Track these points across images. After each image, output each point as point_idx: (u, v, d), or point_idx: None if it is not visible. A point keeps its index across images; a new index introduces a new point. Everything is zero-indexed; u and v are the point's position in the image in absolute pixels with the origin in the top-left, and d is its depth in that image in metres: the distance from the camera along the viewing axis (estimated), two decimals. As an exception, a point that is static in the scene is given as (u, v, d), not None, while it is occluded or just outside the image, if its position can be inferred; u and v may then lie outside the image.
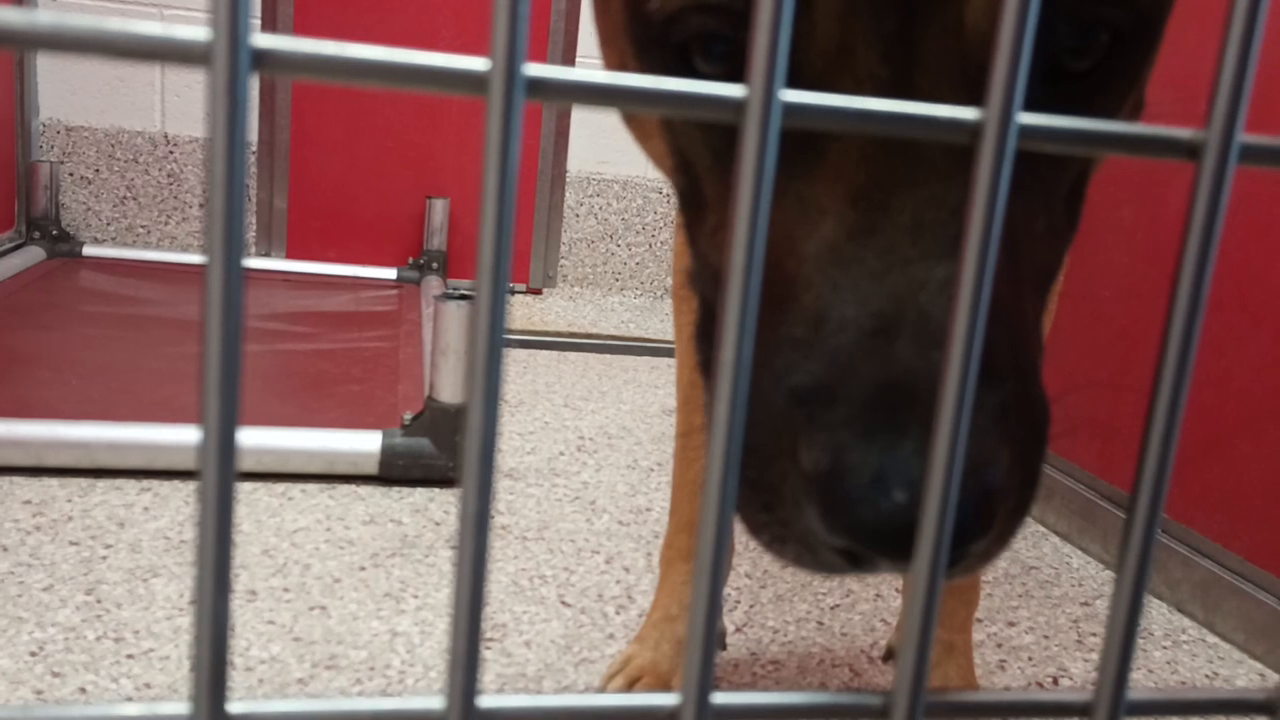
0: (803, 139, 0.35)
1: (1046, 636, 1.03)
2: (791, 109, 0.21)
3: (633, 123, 0.47)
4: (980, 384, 0.29)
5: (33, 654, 0.82)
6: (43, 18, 0.19)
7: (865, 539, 0.30)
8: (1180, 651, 1.02)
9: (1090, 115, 0.37)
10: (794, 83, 0.33)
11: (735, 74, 0.34)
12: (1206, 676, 0.97)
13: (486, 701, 0.23)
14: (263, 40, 0.19)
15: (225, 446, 0.20)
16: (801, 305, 0.33)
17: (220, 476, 0.20)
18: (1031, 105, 0.35)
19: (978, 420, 0.30)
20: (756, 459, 0.32)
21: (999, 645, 1.00)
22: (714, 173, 0.39)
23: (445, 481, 1.22)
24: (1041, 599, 1.11)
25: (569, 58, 2.15)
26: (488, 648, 0.90)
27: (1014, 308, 0.34)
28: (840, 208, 0.33)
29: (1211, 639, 1.05)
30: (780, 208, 0.35)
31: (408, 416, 1.23)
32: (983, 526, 0.29)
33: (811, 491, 0.31)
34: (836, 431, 0.30)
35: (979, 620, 1.04)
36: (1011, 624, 1.05)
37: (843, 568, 0.32)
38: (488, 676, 0.85)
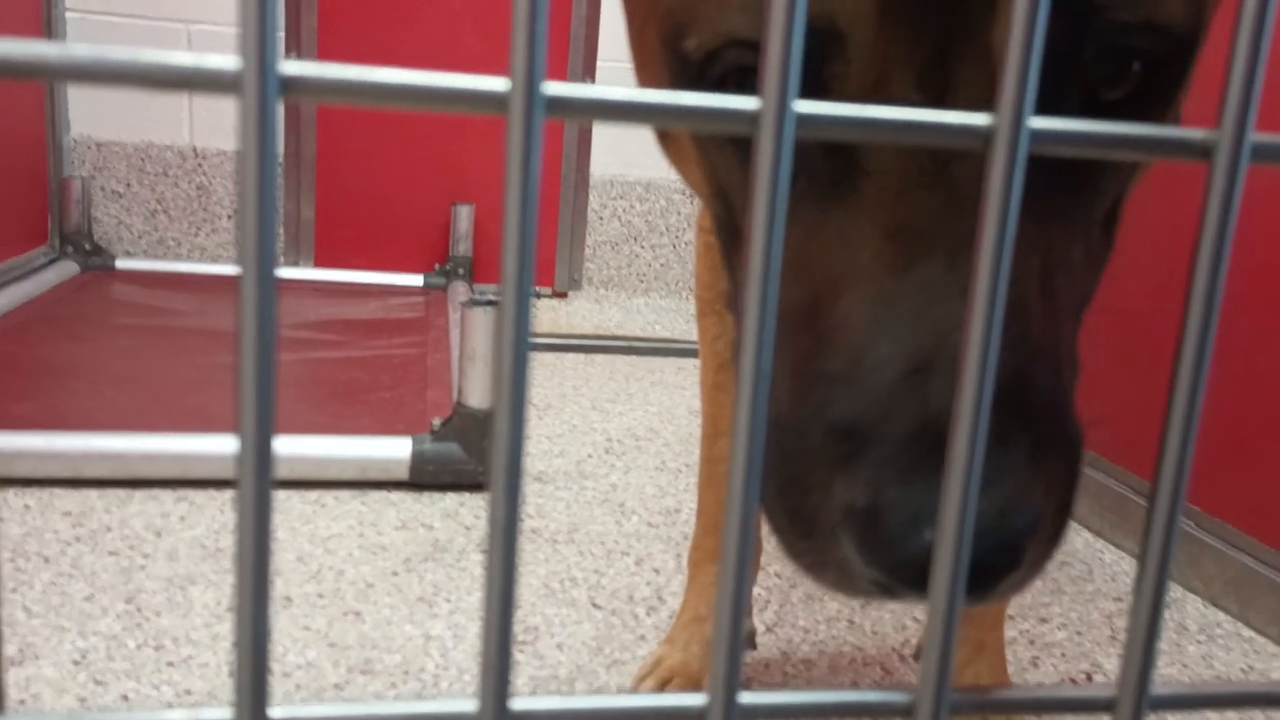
0: (841, 171, 0.35)
1: (1079, 633, 1.02)
2: (805, 120, 0.22)
3: (670, 149, 0.47)
4: (1015, 421, 0.31)
5: (75, 662, 0.84)
6: (79, 51, 0.19)
7: (897, 575, 0.31)
8: (1215, 646, 1.01)
9: (1142, 115, 0.37)
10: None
11: None
12: (1241, 670, 0.96)
13: (519, 704, 0.24)
14: (290, 68, 0.20)
15: (262, 455, 0.21)
16: (840, 340, 0.34)
17: (257, 484, 0.21)
18: (1085, 109, 0.36)
19: (1011, 458, 0.31)
20: (796, 488, 0.33)
21: (1031, 642, 1.00)
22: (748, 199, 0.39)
23: (475, 486, 1.23)
24: (1074, 594, 1.10)
25: (589, 67, 2.16)
26: (520, 650, 0.91)
27: (1050, 340, 0.34)
28: (878, 242, 0.34)
29: (1247, 633, 1.04)
30: (819, 240, 0.35)
31: (437, 422, 1.24)
32: (1010, 564, 0.31)
33: (848, 526, 0.32)
34: (873, 470, 0.31)
35: (1011, 617, 1.04)
36: (1044, 620, 1.04)
37: (880, 595, 0.33)
38: (520, 679, 0.86)
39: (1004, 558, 0.30)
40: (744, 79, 0.37)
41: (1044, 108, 0.34)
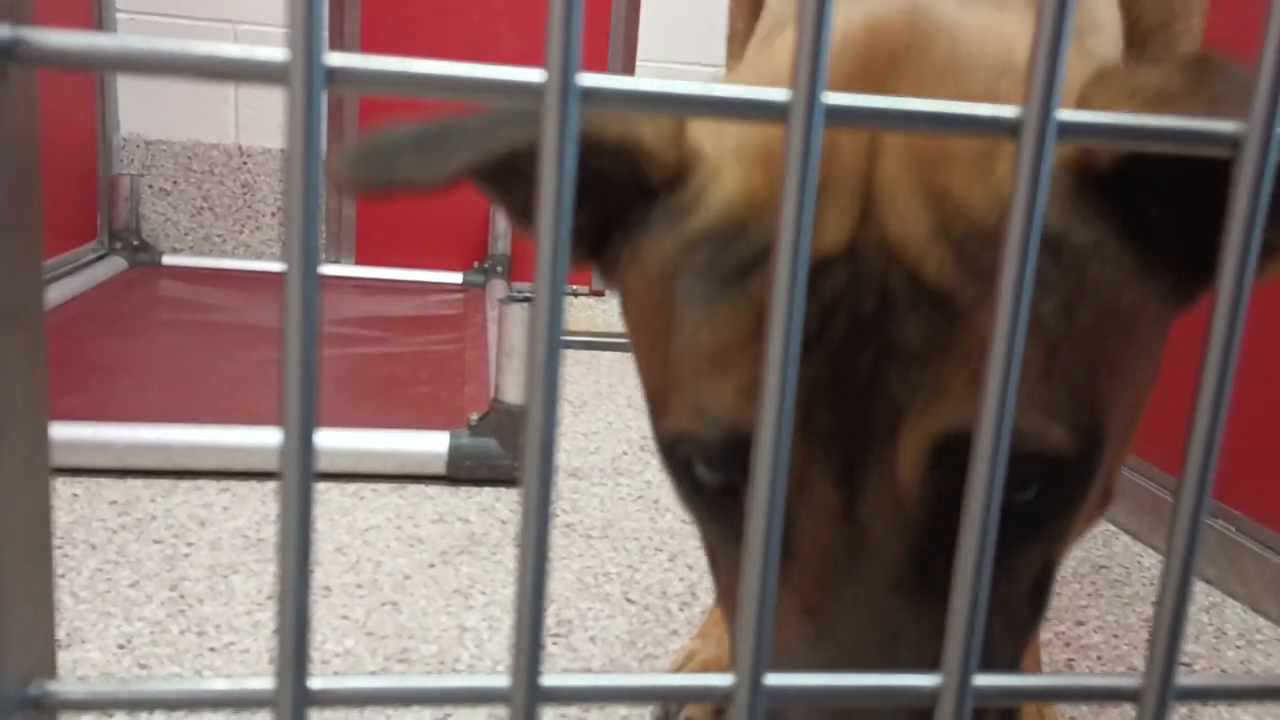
0: None
1: (1116, 635, 1.01)
2: (834, 111, 0.22)
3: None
4: None
5: (120, 646, 0.86)
6: (134, 43, 0.20)
7: None
8: (1255, 651, 1.00)
9: (1039, 535, 0.41)
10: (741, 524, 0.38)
11: (730, 485, 0.42)
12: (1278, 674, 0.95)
13: (549, 680, 0.24)
14: (335, 59, 0.21)
15: (304, 447, 0.22)
16: None
17: (300, 476, 0.22)
18: None
19: None
20: None
21: (1067, 644, 0.99)
22: (728, 555, 0.45)
23: (511, 481, 1.24)
24: (1111, 598, 1.09)
25: (629, 65, 2.17)
26: (554, 643, 0.92)
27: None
28: (796, 619, 0.40)
29: (1289, 639, 1.02)
30: None
31: (474, 418, 1.25)
32: None
33: None
34: None
35: (1047, 619, 1.03)
36: (1080, 623, 1.03)
37: None
38: (554, 669, 0.87)
39: None
40: (705, 460, 0.42)
41: (950, 513, 0.38)
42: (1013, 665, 0.43)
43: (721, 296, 0.40)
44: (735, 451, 0.40)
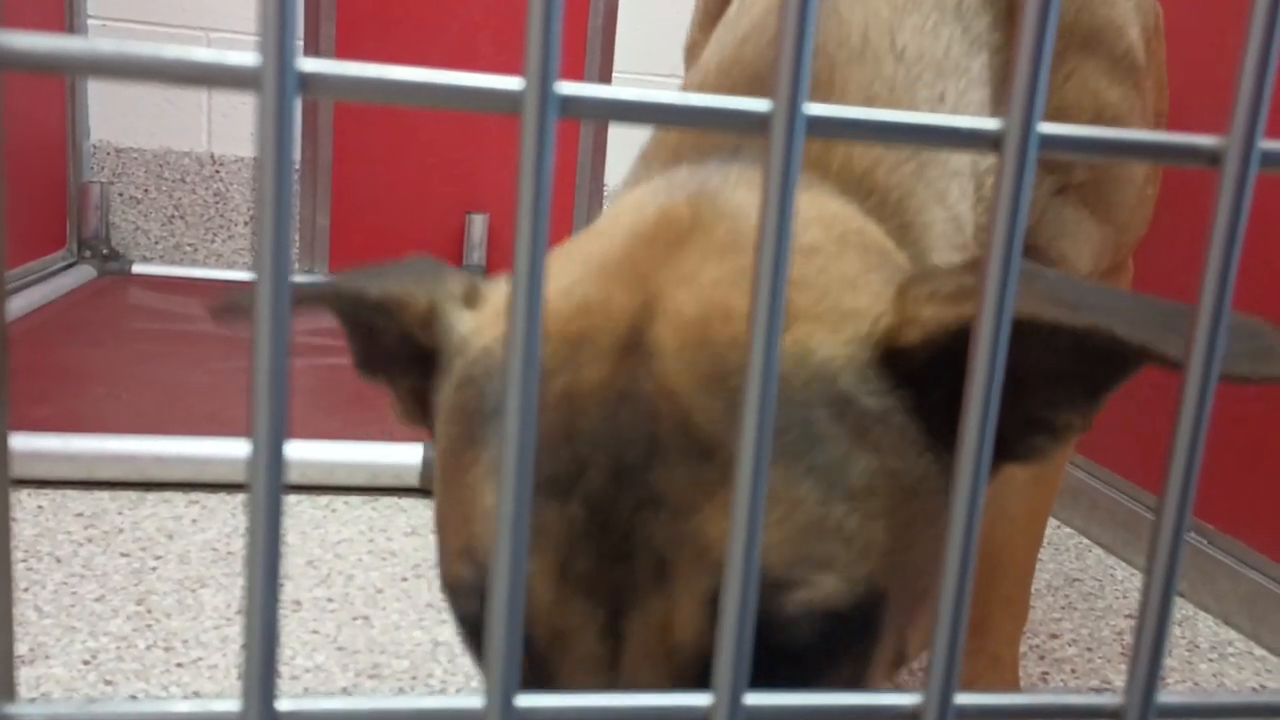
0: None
1: (1090, 649, 1.01)
2: (815, 122, 0.22)
3: None
4: None
5: (85, 662, 0.84)
6: (104, 46, 0.20)
7: None
8: (1227, 664, 1.00)
9: (829, 676, 0.40)
10: (529, 655, 0.39)
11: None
12: (1253, 689, 0.95)
13: (524, 701, 0.24)
14: (309, 64, 0.20)
15: (274, 459, 0.21)
16: None
17: (269, 488, 0.21)
18: (759, 681, 0.40)
19: None
20: None
21: (1041, 657, 0.99)
22: None
23: (485, 493, 1.23)
24: (1085, 611, 1.09)
25: (605, 74, 2.17)
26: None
27: None
28: None
29: (1259, 651, 1.03)
30: None
31: (448, 429, 1.24)
32: None
33: None
34: None
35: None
36: (1054, 636, 1.04)
37: None
38: (528, 686, 0.86)
39: None
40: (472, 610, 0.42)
41: (756, 674, 0.37)
42: None
43: (477, 438, 0.41)
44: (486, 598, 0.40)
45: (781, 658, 0.39)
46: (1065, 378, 0.40)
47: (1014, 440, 0.42)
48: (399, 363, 0.49)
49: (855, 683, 0.41)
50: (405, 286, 0.46)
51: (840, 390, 0.39)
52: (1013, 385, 0.40)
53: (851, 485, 0.39)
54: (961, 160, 0.55)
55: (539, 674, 0.40)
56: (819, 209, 0.47)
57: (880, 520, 0.39)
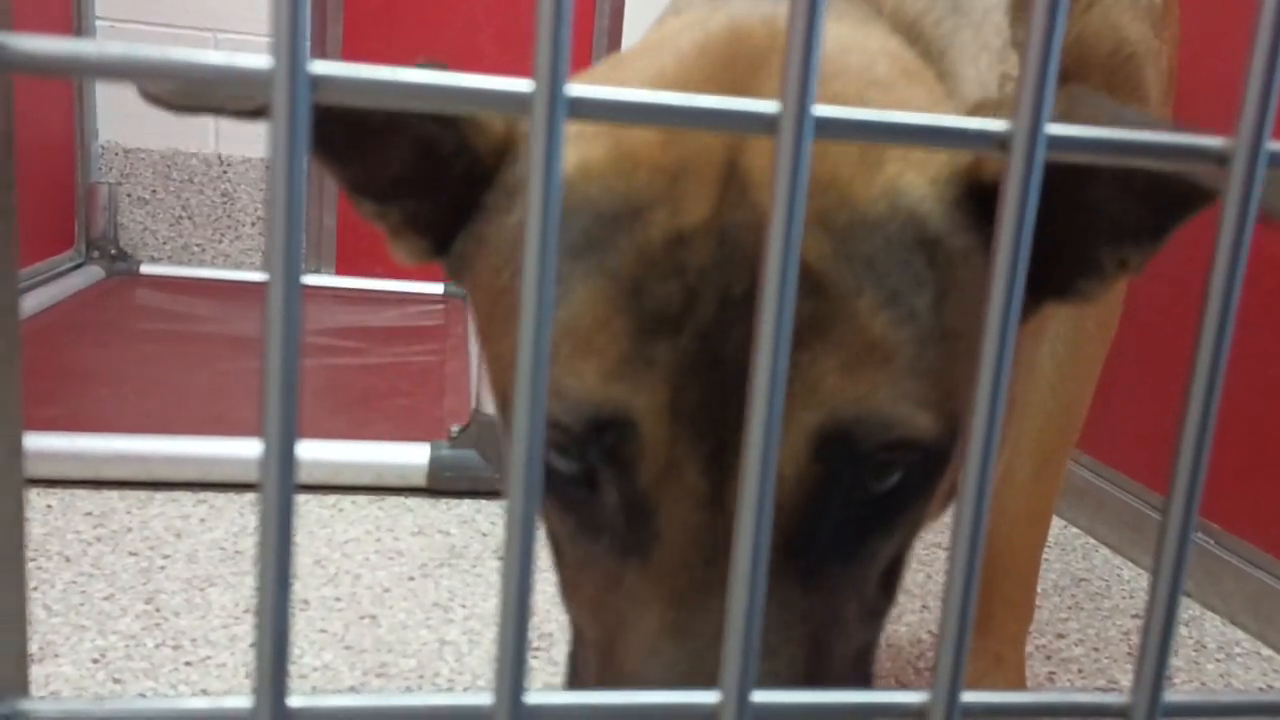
0: (639, 536, 0.39)
1: (1096, 649, 1.01)
2: (823, 123, 0.22)
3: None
4: None
5: (94, 661, 0.85)
6: (113, 49, 0.20)
7: None
8: (1234, 664, 1.00)
9: (899, 521, 0.41)
10: (629, 493, 0.39)
11: (588, 473, 0.40)
12: (1261, 689, 0.95)
13: (533, 698, 0.24)
14: (319, 67, 0.20)
15: (285, 458, 0.21)
16: (624, 677, 0.39)
17: (280, 487, 0.21)
18: (844, 524, 0.40)
19: None
20: None
21: (1048, 657, 0.99)
22: (581, 548, 0.44)
23: (492, 493, 1.24)
24: (1092, 611, 1.09)
25: (612, 73, 2.17)
26: (535, 656, 0.91)
27: None
28: (662, 606, 0.39)
29: (1266, 651, 1.03)
30: (616, 591, 0.40)
31: (455, 429, 1.24)
32: None
33: None
34: None
35: (1029, 632, 1.03)
36: (1061, 636, 1.04)
37: None
38: (535, 684, 0.86)
39: None
40: (562, 453, 0.40)
41: (820, 499, 0.39)
42: (868, 650, 0.43)
43: (572, 273, 0.39)
44: (597, 436, 0.38)
45: (868, 499, 0.40)
46: (1133, 215, 0.41)
47: (1066, 278, 0.42)
48: (406, 189, 0.45)
49: (918, 517, 0.42)
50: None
51: (933, 232, 0.39)
52: (1080, 220, 0.41)
53: (945, 326, 0.39)
54: (991, 35, 0.56)
55: (644, 507, 0.39)
56: (882, 43, 0.47)
57: (964, 359, 0.40)
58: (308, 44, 0.20)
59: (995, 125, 0.23)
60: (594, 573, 0.41)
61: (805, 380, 0.37)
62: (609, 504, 0.40)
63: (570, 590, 0.45)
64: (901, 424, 0.38)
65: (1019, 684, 0.81)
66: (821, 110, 0.22)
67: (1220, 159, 0.24)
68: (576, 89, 0.21)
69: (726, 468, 0.38)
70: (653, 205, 0.39)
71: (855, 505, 0.40)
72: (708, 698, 0.25)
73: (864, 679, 0.44)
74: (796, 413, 0.37)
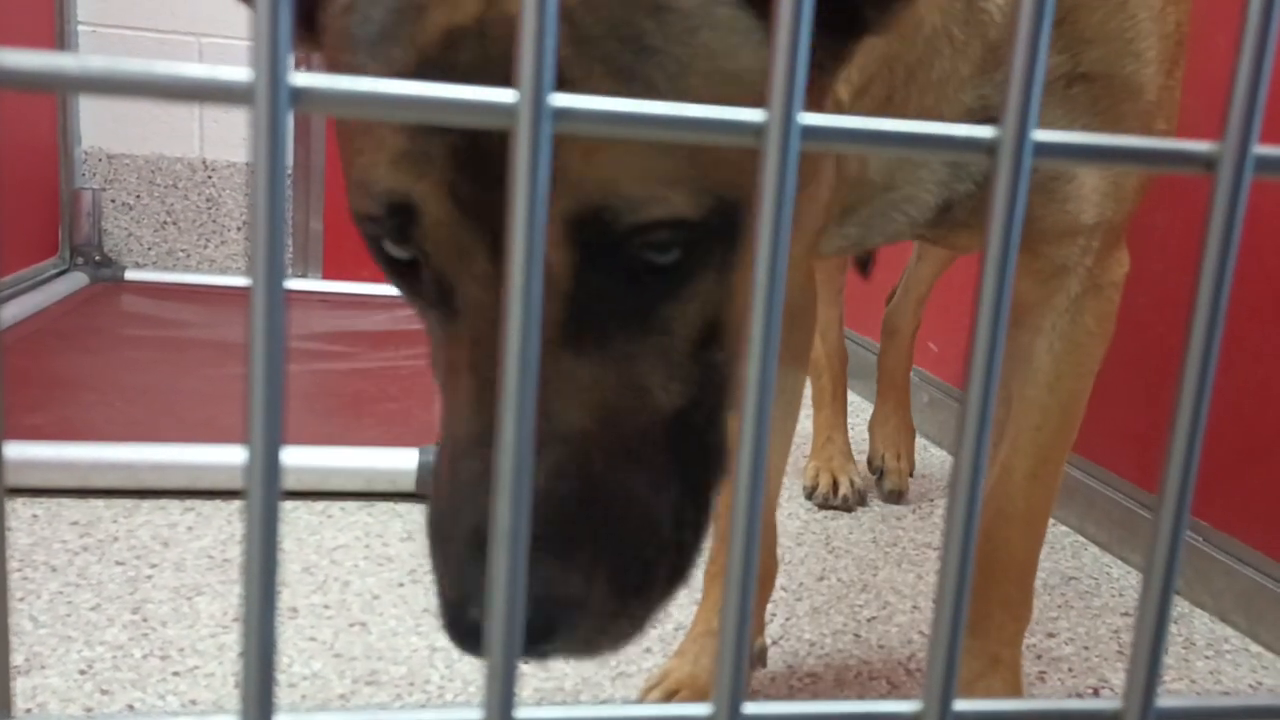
0: (452, 308, 0.43)
1: (1087, 647, 1.02)
2: (809, 131, 0.22)
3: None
4: (554, 529, 0.40)
5: (82, 672, 0.84)
6: (95, 63, 0.20)
7: (456, 641, 0.40)
8: (1223, 661, 1.00)
9: (688, 291, 0.42)
10: (437, 275, 0.42)
11: (418, 259, 0.43)
12: (1250, 686, 0.96)
13: (524, 713, 0.24)
14: (301, 79, 0.20)
15: (270, 465, 0.21)
16: (445, 440, 0.43)
17: (266, 495, 0.21)
18: (629, 298, 0.42)
19: (548, 557, 0.39)
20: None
21: (1038, 656, 0.99)
22: (428, 324, 0.47)
23: (481, 498, 1.23)
24: (1081, 609, 1.10)
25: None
26: (525, 661, 0.91)
27: (615, 464, 0.42)
28: (467, 375, 0.42)
29: (1255, 648, 1.03)
30: (443, 362, 0.44)
31: (444, 434, 1.24)
32: (544, 634, 0.39)
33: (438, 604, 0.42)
34: (443, 563, 0.42)
35: (1018, 631, 1.04)
36: (1051, 635, 1.04)
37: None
38: (526, 690, 0.86)
39: (541, 630, 0.39)
40: (395, 237, 0.43)
41: (590, 279, 0.40)
42: (704, 413, 0.45)
43: (367, 67, 0.41)
44: (394, 221, 0.41)
45: (651, 270, 0.41)
46: None
47: (854, 12, 0.43)
48: None
49: (724, 285, 0.43)
50: None
51: None
52: None
53: (693, 97, 0.39)
54: None
55: (448, 286, 0.42)
56: None
57: None
58: (290, 56, 0.20)
59: (982, 131, 0.23)
60: (435, 347, 0.46)
61: (555, 169, 0.38)
62: (428, 284, 0.43)
63: (433, 362, 0.48)
64: (652, 203, 0.39)
65: (1016, 685, 0.81)
66: (807, 118, 0.22)
67: (1208, 164, 0.24)
68: (561, 99, 0.21)
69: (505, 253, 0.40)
70: (427, 7, 0.40)
71: (640, 279, 0.41)
72: (700, 709, 0.24)
73: (700, 438, 0.45)
74: (554, 208, 0.39)
